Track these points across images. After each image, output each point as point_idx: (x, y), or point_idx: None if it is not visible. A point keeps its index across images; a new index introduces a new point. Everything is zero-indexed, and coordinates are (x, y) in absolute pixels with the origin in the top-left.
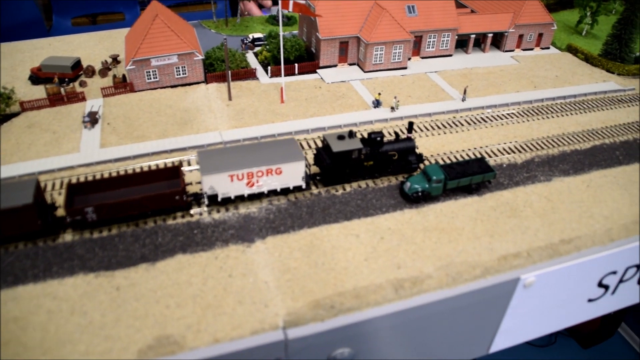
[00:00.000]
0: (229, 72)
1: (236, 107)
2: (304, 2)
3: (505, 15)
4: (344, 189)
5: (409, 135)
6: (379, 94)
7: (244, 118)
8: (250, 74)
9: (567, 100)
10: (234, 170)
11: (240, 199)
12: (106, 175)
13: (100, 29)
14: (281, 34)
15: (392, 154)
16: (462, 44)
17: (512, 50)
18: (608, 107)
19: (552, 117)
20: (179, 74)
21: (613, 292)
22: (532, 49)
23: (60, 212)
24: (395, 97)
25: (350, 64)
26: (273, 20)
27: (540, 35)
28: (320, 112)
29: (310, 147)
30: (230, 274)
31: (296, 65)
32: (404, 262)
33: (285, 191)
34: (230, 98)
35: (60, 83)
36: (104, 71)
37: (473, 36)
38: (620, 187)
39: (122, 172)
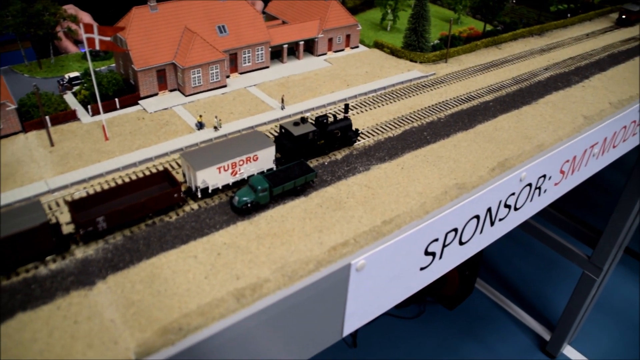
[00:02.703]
0: (47, 117)
1: (60, 152)
2: (110, 39)
3: (313, 23)
4: (177, 215)
5: (346, 115)
6: (200, 115)
7: (69, 162)
8: (71, 116)
9: (378, 93)
10: (222, 163)
11: (226, 187)
12: (98, 189)
13: None
14: (92, 70)
15: (336, 132)
16: (277, 54)
17: (325, 54)
18: (414, 94)
19: (366, 110)
20: None
21: (440, 257)
22: (342, 50)
23: (65, 228)
24: (216, 117)
25: (171, 90)
26: (91, 55)
27: (348, 36)
28: (145, 143)
29: (144, 174)
30: (75, 321)
31: (116, 99)
32: (242, 272)
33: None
34: (52, 144)
35: None
36: None
37: (285, 46)
38: (430, 163)
39: (112, 184)
